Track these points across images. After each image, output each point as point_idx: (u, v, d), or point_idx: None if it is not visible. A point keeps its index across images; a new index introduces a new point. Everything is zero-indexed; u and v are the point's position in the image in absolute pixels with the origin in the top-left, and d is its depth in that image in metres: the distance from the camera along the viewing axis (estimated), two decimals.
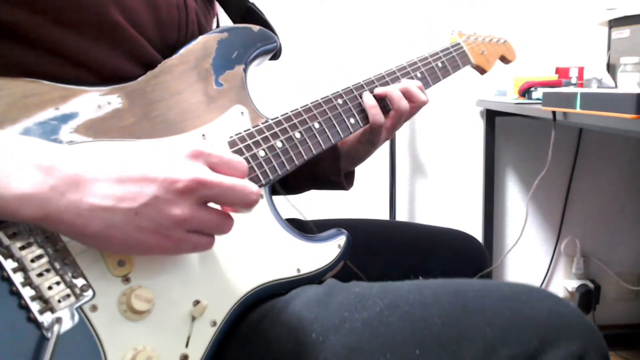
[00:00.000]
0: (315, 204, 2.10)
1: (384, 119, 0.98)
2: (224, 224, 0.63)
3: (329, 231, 0.85)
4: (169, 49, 0.78)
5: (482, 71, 1.26)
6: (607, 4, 1.89)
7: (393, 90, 0.99)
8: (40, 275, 0.57)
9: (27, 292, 0.56)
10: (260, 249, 0.76)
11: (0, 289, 0.55)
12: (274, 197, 0.83)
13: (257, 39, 0.86)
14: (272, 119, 0.83)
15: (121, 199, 0.56)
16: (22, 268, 0.56)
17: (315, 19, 2.12)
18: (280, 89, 2.04)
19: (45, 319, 0.56)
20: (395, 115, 1.01)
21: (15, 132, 0.60)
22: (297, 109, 0.87)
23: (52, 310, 0.57)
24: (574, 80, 1.95)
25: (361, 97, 0.97)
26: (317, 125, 0.87)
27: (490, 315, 0.68)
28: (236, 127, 0.80)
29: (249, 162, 0.77)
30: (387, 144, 2.13)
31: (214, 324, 0.68)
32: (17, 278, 0.56)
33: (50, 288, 0.57)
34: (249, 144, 0.78)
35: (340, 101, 0.93)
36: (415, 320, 0.69)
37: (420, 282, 0.77)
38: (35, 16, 0.65)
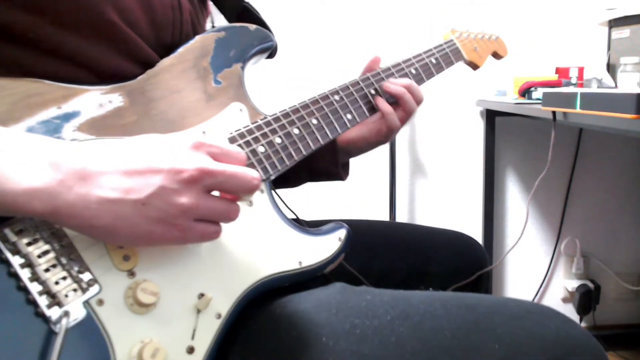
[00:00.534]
0: (315, 204, 2.11)
1: (399, 124, 1.03)
2: (231, 211, 0.65)
3: (330, 224, 0.86)
4: (164, 49, 0.79)
5: (474, 67, 1.28)
6: (607, 4, 1.89)
7: (405, 93, 1.02)
8: (47, 270, 0.58)
9: (34, 287, 0.56)
10: (262, 243, 0.77)
11: (8, 284, 0.56)
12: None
13: (254, 37, 0.88)
14: (270, 116, 0.84)
15: (128, 190, 0.57)
16: (29, 264, 0.57)
17: (314, 18, 2.13)
18: (279, 87, 2.04)
19: (53, 313, 0.57)
20: (404, 116, 1.05)
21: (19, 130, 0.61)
22: (295, 106, 0.88)
23: (60, 304, 0.57)
24: (574, 80, 1.95)
25: (374, 99, 1.00)
26: (314, 122, 0.88)
27: (500, 332, 0.69)
28: (235, 124, 0.81)
29: (248, 159, 0.78)
30: (387, 144, 2.13)
31: (219, 316, 0.69)
32: (25, 274, 0.56)
33: (57, 283, 0.58)
34: (248, 140, 0.79)
35: (337, 97, 0.94)
36: (426, 332, 0.69)
37: (431, 294, 0.77)
38: (33, 17, 0.66)
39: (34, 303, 0.56)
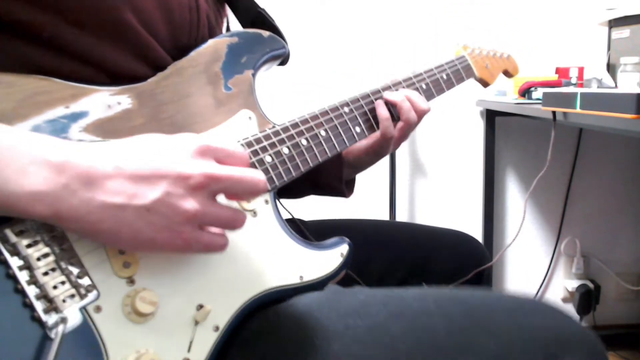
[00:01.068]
0: (314, 204, 2.10)
1: (394, 132, 1.01)
2: (237, 219, 0.64)
3: (332, 239, 0.85)
4: (179, 51, 0.78)
5: (485, 84, 1.29)
6: (607, 4, 1.89)
7: (403, 101, 1.01)
8: (45, 274, 0.57)
9: (32, 291, 0.56)
10: (264, 256, 0.76)
11: (5, 286, 0.55)
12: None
13: (267, 44, 0.86)
14: (279, 125, 0.83)
15: (132, 196, 0.57)
16: (27, 266, 0.56)
17: (322, 24, 2.13)
18: (287, 93, 2.04)
19: (50, 318, 0.56)
20: (404, 126, 1.03)
21: (25, 129, 0.60)
22: (304, 116, 0.87)
23: (57, 309, 0.56)
24: (574, 80, 1.95)
25: (371, 106, 0.98)
26: (323, 133, 0.87)
27: (494, 327, 0.69)
28: (243, 132, 0.80)
29: (255, 168, 0.77)
30: None
31: (217, 329, 0.68)
32: (23, 276, 0.56)
33: (55, 287, 0.57)
34: (256, 149, 0.78)
35: (346, 109, 0.93)
36: (419, 330, 0.69)
37: (423, 291, 0.77)
38: (48, 16, 0.65)
39: (30, 307, 0.55)
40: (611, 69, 1.90)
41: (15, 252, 0.56)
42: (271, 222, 0.79)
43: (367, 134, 0.96)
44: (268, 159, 0.79)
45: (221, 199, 0.64)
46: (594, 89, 1.79)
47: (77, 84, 0.66)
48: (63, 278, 0.58)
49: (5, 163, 0.53)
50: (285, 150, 0.81)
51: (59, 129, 0.63)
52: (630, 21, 1.80)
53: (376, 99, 0.99)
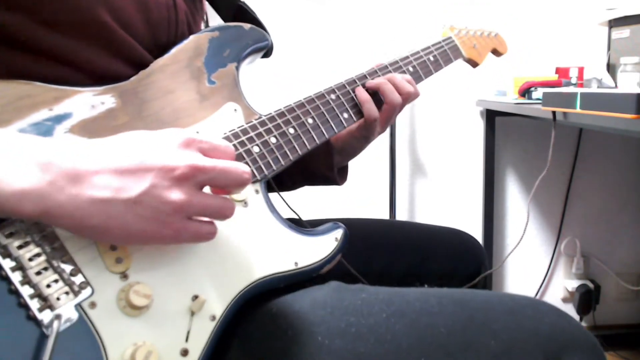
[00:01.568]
0: (314, 203, 2.10)
1: (378, 113, 0.99)
2: (225, 207, 0.64)
3: (326, 225, 0.85)
4: (159, 49, 0.79)
5: (474, 64, 1.27)
6: (607, 4, 1.89)
7: (385, 84, 1.00)
8: (38, 273, 0.57)
9: (26, 291, 0.56)
10: (258, 244, 0.76)
11: None
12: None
13: (249, 37, 0.87)
14: (265, 115, 0.83)
15: (119, 189, 0.57)
16: (20, 267, 0.56)
17: (311, 17, 2.12)
18: (274, 86, 2.04)
19: (45, 316, 0.56)
20: (388, 108, 1.01)
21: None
22: (290, 105, 0.87)
23: (52, 307, 0.57)
24: (574, 80, 1.95)
25: (354, 92, 0.98)
26: (310, 121, 0.88)
27: (495, 327, 0.69)
28: (229, 124, 0.80)
29: (243, 158, 0.77)
30: (387, 143, 2.13)
31: (213, 318, 0.69)
32: (16, 277, 0.56)
33: (48, 286, 0.57)
34: (242, 140, 0.78)
35: (333, 96, 0.93)
36: (421, 329, 0.69)
37: (426, 290, 0.77)
38: (24, 18, 0.65)
39: (25, 306, 0.56)
40: (611, 69, 1.90)
41: (6, 253, 0.56)
42: (263, 211, 0.79)
43: (355, 119, 0.96)
44: (256, 149, 0.79)
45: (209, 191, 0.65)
46: (594, 89, 1.79)
47: (59, 87, 0.66)
48: (56, 276, 0.58)
49: None
50: (273, 140, 0.82)
51: (43, 131, 0.63)
52: (630, 21, 1.80)
53: (363, 85, 0.99)
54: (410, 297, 0.74)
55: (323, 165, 1.09)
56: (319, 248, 0.82)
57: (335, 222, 0.86)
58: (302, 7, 2.12)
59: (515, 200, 2.31)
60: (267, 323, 0.73)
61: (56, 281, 0.58)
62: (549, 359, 0.67)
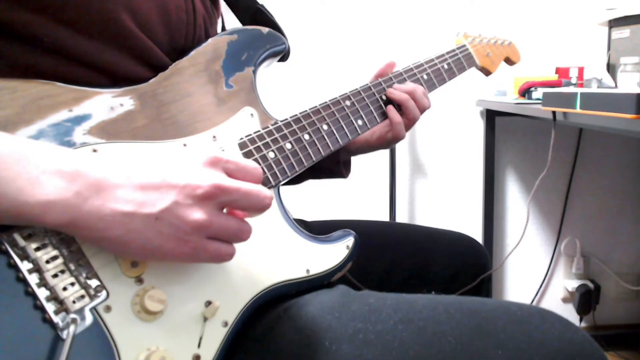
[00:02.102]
0: (315, 204, 2.11)
1: (405, 134, 1.04)
2: (243, 230, 0.64)
3: (337, 232, 0.86)
4: (177, 53, 0.79)
5: (487, 72, 1.28)
6: (607, 4, 1.90)
7: (408, 100, 1.03)
8: (55, 276, 0.57)
9: (42, 293, 0.56)
10: (271, 250, 0.76)
11: (15, 289, 0.55)
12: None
13: (266, 40, 0.87)
14: (281, 121, 0.84)
15: (142, 204, 0.58)
16: (37, 269, 0.56)
17: (324, 21, 2.13)
18: (289, 90, 2.05)
19: (61, 319, 0.56)
20: (408, 123, 1.05)
21: (29, 133, 0.61)
22: (306, 111, 0.87)
23: (67, 311, 0.57)
24: (574, 80, 1.95)
25: (374, 97, 0.99)
26: (325, 127, 0.88)
27: (503, 337, 0.69)
28: (246, 129, 0.80)
29: (259, 164, 0.78)
30: None
31: (226, 324, 0.69)
32: (33, 279, 0.56)
33: (65, 289, 0.57)
34: (259, 146, 0.79)
35: (348, 103, 0.94)
36: (429, 337, 0.69)
37: (433, 297, 0.77)
38: (48, 19, 0.65)
39: (41, 309, 0.56)
40: (611, 69, 1.90)
41: (24, 255, 0.57)
42: (276, 217, 0.79)
43: (370, 126, 0.97)
44: (271, 155, 0.80)
45: None
46: (594, 89, 1.79)
47: (79, 87, 0.66)
48: (72, 279, 0.58)
49: (17, 173, 0.53)
50: (288, 146, 0.82)
51: (63, 132, 0.63)
52: (630, 21, 1.81)
53: (377, 92, 1.00)
54: (418, 304, 0.74)
55: (328, 158, 1.10)
56: (331, 256, 0.82)
57: (346, 230, 0.86)
58: (317, 12, 2.12)
59: (515, 200, 2.31)
60: (275, 327, 0.73)
61: (72, 284, 0.58)
62: None
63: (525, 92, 1.84)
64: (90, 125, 0.66)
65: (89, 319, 0.58)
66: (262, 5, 0.93)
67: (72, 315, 0.57)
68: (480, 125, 2.24)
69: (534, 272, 2.36)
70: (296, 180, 1.14)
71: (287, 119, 0.84)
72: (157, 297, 0.62)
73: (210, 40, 0.81)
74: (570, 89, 1.64)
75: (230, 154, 0.64)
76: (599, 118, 1.18)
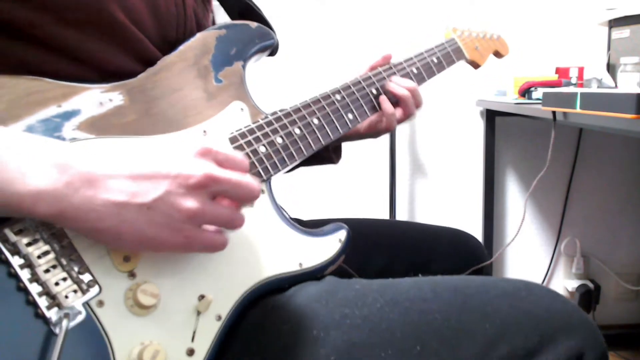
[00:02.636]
0: (315, 203, 2.11)
1: (396, 125, 1.05)
2: (236, 218, 0.65)
3: (330, 226, 0.86)
4: (168, 46, 0.79)
5: (476, 66, 1.29)
6: (607, 4, 1.90)
7: (408, 97, 1.04)
8: (47, 271, 0.57)
9: (34, 288, 0.56)
10: (263, 245, 0.77)
11: (7, 285, 0.55)
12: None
13: (255, 35, 0.87)
14: (271, 115, 0.84)
15: (134, 194, 0.58)
16: (29, 264, 0.57)
17: (315, 16, 2.13)
18: (279, 85, 2.04)
19: (53, 314, 0.56)
20: (404, 118, 1.07)
21: (19, 129, 0.61)
22: (296, 105, 0.88)
23: (60, 305, 0.57)
24: (574, 80, 1.95)
25: (364, 90, 0.99)
26: (316, 121, 0.88)
27: (489, 310, 0.69)
28: (236, 123, 0.80)
29: (249, 158, 0.78)
30: (387, 143, 2.13)
31: (219, 318, 0.69)
32: (24, 274, 0.56)
33: (57, 284, 0.57)
34: (249, 140, 0.79)
35: (338, 97, 0.94)
36: (415, 316, 0.70)
37: (419, 279, 0.78)
38: (36, 14, 0.65)
39: (33, 304, 0.56)
40: (611, 69, 1.90)
41: (15, 251, 0.57)
42: (268, 211, 0.80)
43: (360, 120, 0.98)
44: (262, 149, 0.80)
45: None
46: (594, 89, 1.79)
47: (68, 83, 0.66)
48: (64, 274, 0.58)
49: (7, 164, 0.53)
50: (279, 140, 0.82)
51: (52, 128, 0.63)
52: (630, 21, 1.80)
53: (367, 85, 1.01)
54: (403, 285, 0.75)
55: None
56: (323, 249, 0.82)
57: (338, 223, 0.86)
58: (305, 6, 2.12)
59: (515, 200, 2.31)
60: (263, 319, 0.73)
61: (64, 279, 0.58)
62: (544, 340, 0.67)
63: (525, 92, 1.84)
64: (79, 121, 0.66)
65: (81, 313, 0.58)
66: (250, 1, 0.94)
67: (65, 310, 0.57)
68: (480, 125, 2.23)
69: (533, 272, 2.35)
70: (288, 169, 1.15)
71: (277, 113, 0.85)
72: (150, 291, 0.62)
73: (198, 35, 0.81)
74: (570, 89, 1.64)
75: (219, 145, 0.64)
76: (599, 118, 1.17)
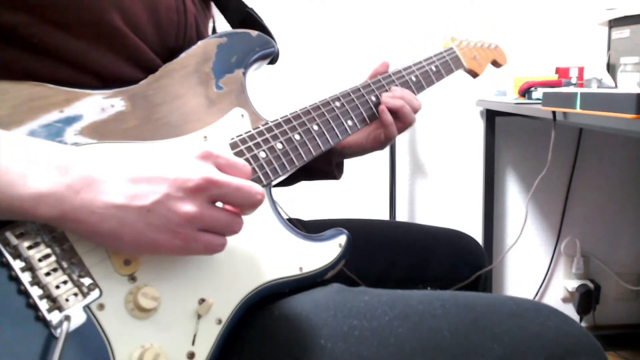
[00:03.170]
0: (315, 204, 2.11)
1: (397, 134, 1.05)
2: (234, 223, 0.65)
3: (330, 231, 0.86)
4: (168, 53, 0.79)
5: (474, 75, 1.30)
6: (607, 4, 1.90)
7: (404, 106, 1.03)
8: (48, 274, 0.57)
9: (35, 291, 0.56)
10: (263, 249, 0.77)
11: (8, 288, 0.56)
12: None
13: (256, 43, 0.88)
14: (271, 121, 0.84)
15: (134, 197, 0.58)
16: (30, 267, 0.57)
17: (315, 23, 2.13)
18: (279, 92, 2.05)
19: (54, 317, 0.56)
20: (402, 127, 1.06)
21: (21, 134, 0.61)
22: (296, 112, 0.88)
23: (60, 309, 0.57)
24: (574, 80, 1.95)
25: (363, 98, 1.00)
26: (315, 128, 0.89)
27: (498, 331, 0.69)
28: (237, 129, 0.81)
29: (250, 164, 0.78)
30: None
31: (220, 321, 0.69)
32: (25, 277, 0.56)
33: (58, 287, 0.58)
34: (249, 146, 0.79)
35: (337, 104, 0.95)
36: (425, 332, 0.69)
37: (429, 293, 0.77)
38: (36, 20, 0.65)
39: (34, 307, 0.56)
40: (611, 69, 1.90)
41: (16, 254, 0.57)
42: (268, 216, 0.80)
43: (360, 127, 0.98)
44: (262, 155, 0.80)
45: None
46: (594, 89, 1.79)
47: (70, 89, 0.67)
48: (65, 278, 0.58)
49: (9, 166, 0.54)
50: (279, 146, 0.83)
51: (54, 133, 0.64)
52: (630, 21, 1.80)
53: (366, 93, 1.01)
54: (413, 299, 0.74)
55: (322, 161, 1.10)
56: (323, 254, 0.83)
57: (338, 229, 0.86)
58: (308, 14, 2.12)
59: (515, 200, 2.31)
60: (269, 326, 0.73)
61: (65, 282, 0.58)
62: None
63: (525, 92, 1.84)
64: (81, 126, 0.66)
65: (82, 317, 0.58)
66: (251, 9, 0.94)
67: (65, 313, 0.57)
68: (480, 125, 2.23)
69: (533, 272, 2.36)
70: (289, 181, 1.14)
71: (277, 120, 0.85)
72: (150, 295, 0.62)
73: (200, 42, 0.82)
74: (570, 89, 1.64)
75: (221, 150, 0.64)
76: (599, 118, 1.18)
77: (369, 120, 1.00)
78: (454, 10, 2.16)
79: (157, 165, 0.60)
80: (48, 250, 0.58)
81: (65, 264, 0.59)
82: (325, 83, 2.12)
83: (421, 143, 2.24)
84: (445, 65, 1.19)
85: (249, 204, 0.64)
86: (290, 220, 1.03)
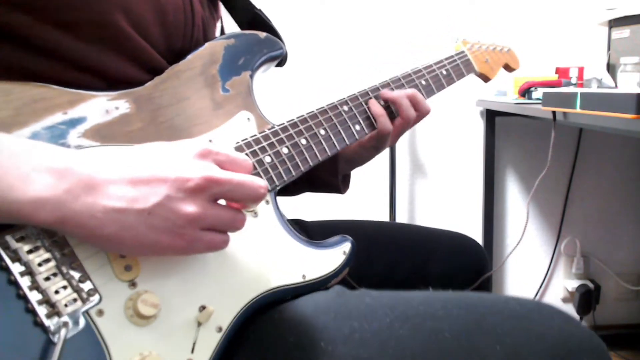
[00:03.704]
0: (315, 204, 2.10)
1: (391, 127, 1.00)
2: (237, 219, 0.64)
3: (334, 238, 0.85)
4: (174, 54, 0.78)
5: (485, 79, 1.27)
6: (607, 4, 1.89)
7: (402, 98, 1.00)
8: (47, 279, 0.57)
9: (34, 296, 0.56)
10: (266, 255, 0.76)
11: (7, 292, 0.55)
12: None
13: (264, 45, 0.86)
14: (278, 125, 0.83)
15: (133, 199, 0.57)
16: (29, 272, 0.56)
17: (322, 26, 2.13)
18: (286, 95, 2.04)
19: (52, 323, 0.56)
20: (402, 123, 1.02)
21: (24, 135, 0.60)
22: (303, 115, 0.87)
23: (59, 314, 0.57)
24: (574, 80, 1.95)
25: (367, 104, 0.98)
26: (322, 132, 0.88)
27: (501, 332, 0.68)
28: (242, 133, 0.80)
29: (255, 168, 0.77)
30: None
31: (220, 329, 0.68)
32: (24, 282, 0.56)
33: (57, 292, 0.57)
34: (255, 150, 0.78)
35: (345, 108, 0.93)
36: (426, 333, 0.69)
37: (430, 294, 0.77)
38: (41, 22, 0.65)
39: (32, 312, 0.55)
40: (611, 69, 1.90)
41: (16, 258, 0.56)
42: (272, 222, 0.79)
43: (367, 132, 0.96)
44: (267, 159, 0.79)
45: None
46: (594, 89, 1.79)
47: (74, 90, 0.66)
48: (64, 283, 0.58)
49: (7, 171, 0.53)
50: (285, 150, 0.82)
51: (57, 135, 0.63)
52: (630, 21, 1.80)
53: (375, 97, 0.99)
54: (414, 301, 0.74)
55: (328, 171, 1.09)
56: (327, 261, 0.82)
57: (343, 235, 0.86)
58: (316, 16, 2.12)
59: (515, 201, 2.31)
60: (270, 329, 0.72)
61: (65, 287, 0.58)
62: None
63: (525, 92, 1.84)
64: (85, 128, 0.65)
65: (81, 322, 0.58)
66: (259, 10, 0.93)
67: (64, 319, 0.57)
68: (480, 125, 2.23)
69: (534, 272, 2.35)
70: (293, 192, 1.14)
71: (284, 124, 0.84)
72: (150, 301, 0.62)
73: (207, 44, 0.81)
74: (570, 89, 1.64)
75: (221, 146, 0.63)
76: (599, 118, 1.17)
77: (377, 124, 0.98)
78: (454, 10, 2.15)
79: (156, 165, 0.59)
80: (48, 255, 0.57)
81: (65, 269, 0.58)
82: (325, 83, 2.11)
83: (421, 143, 2.24)
84: (456, 69, 1.16)
85: (252, 199, 0.64)
86: (290, 221, 1.03)
